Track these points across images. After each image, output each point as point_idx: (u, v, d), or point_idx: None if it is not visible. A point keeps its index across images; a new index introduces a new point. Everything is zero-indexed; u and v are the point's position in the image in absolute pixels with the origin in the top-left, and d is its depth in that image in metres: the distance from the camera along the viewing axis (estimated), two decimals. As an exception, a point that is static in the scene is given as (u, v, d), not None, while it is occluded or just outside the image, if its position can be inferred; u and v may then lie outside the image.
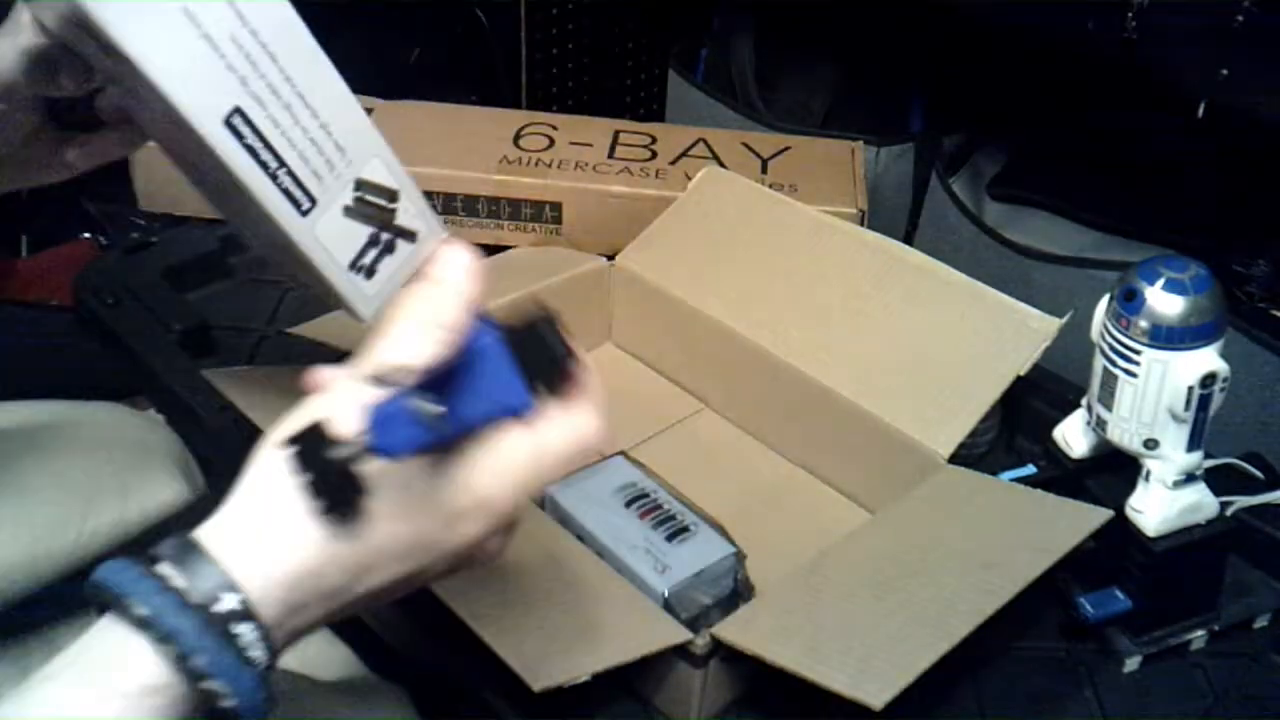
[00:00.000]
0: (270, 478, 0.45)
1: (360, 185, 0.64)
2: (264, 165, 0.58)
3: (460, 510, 0.47)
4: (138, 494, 0.76)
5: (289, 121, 0.59)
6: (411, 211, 0.66)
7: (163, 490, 0.78)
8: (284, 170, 0.59)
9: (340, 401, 0.46)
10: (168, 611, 0.41)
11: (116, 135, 0.64)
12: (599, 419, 0.51)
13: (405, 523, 0.46)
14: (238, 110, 0.57)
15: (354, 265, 0.64)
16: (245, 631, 0.42)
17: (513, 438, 0.49)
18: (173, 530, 0.44)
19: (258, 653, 0.42)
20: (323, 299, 0.66)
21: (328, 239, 0.62)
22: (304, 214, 0.60)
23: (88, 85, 0.61)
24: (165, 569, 0.42)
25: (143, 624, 0.41)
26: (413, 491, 0.46)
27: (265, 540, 0.44)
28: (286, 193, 0.60)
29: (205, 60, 0.55)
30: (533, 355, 0.51)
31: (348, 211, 0.63)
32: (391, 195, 0.65)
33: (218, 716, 0.42)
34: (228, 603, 0.42)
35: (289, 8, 0.58)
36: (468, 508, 0.47)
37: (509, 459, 0.48)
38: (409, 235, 0.65)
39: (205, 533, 0.44)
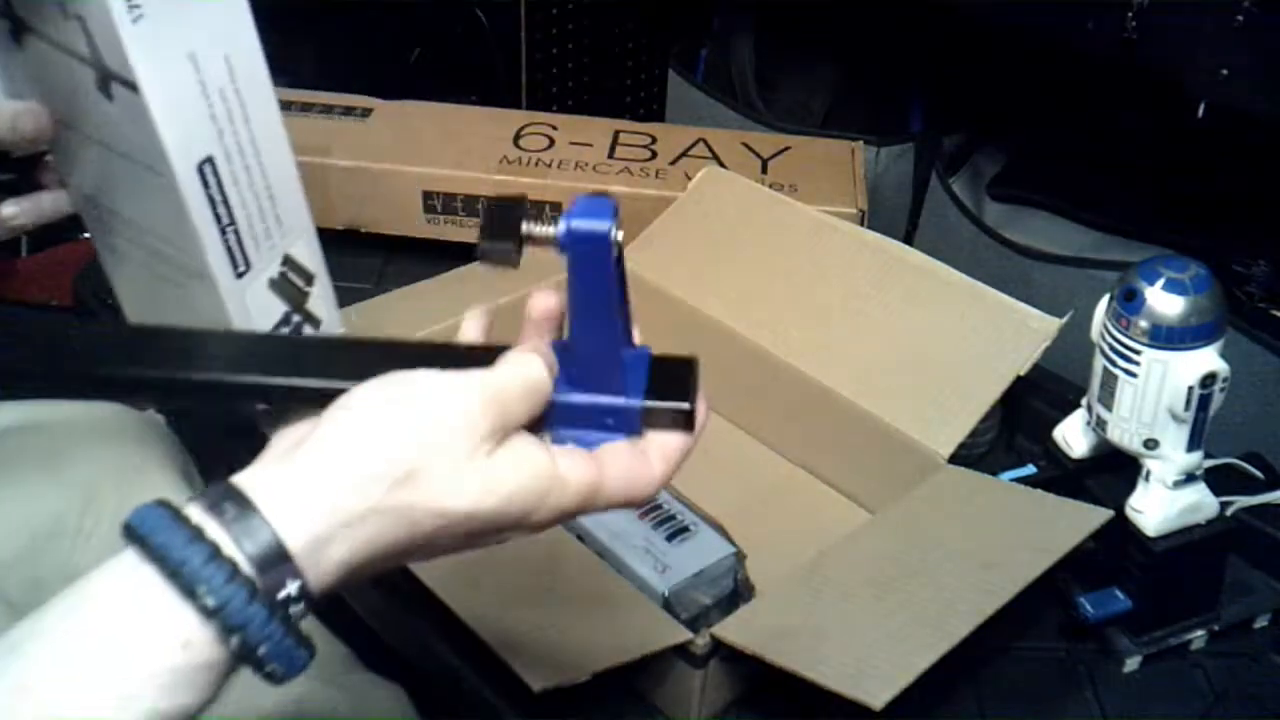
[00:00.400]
0: (324, 443, 0.44)
1: (287, 261, 0.66)
2: (218, 219, 0.61)
3: (502, 497, 0.46)
4: (137, 494, 0.76)
5: (245, 182, 0.62)
6: (322, 299, 0.67)
7: (161, 490, 0.77)
8: (232, 229, 0.62)
9: None
10: (237, 602, 0.40)
11: (50, 199, 0.65)
12: (659, 481, 0.50)
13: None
14: (210, 159, 0.60)
15: None
16: (299, 610, 0.42)
17: (579, 463, 0.48)
18: None
19: (301, 615, 0.43)
20: None
21: (253, 307, 0.64)
22: (239, 277, 0.62)
23: (38, 146, 0.63)
24: (231, 550, 0.41)
25: (209, 612, 0.40)
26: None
27: (323, 510, 0.43)
28: (230, 251, 0.62)
29: (196, 105, 0.58)
30: (661, 387, 0.50)
31: (271, 284, 0.65)
32: (309, 278, 0.67)
33: (257, 671, 0.42)
34: (290, 589, 0.42)
35: (268, 76, 0.61)
36: (503, 502, 0.46)
37: (566, 484, 0.47)
38: (315, 322, 0.67)
39: (262, 498, 0.42)
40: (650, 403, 0.50)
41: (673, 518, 0.77)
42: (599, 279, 0.49)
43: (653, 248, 1.02)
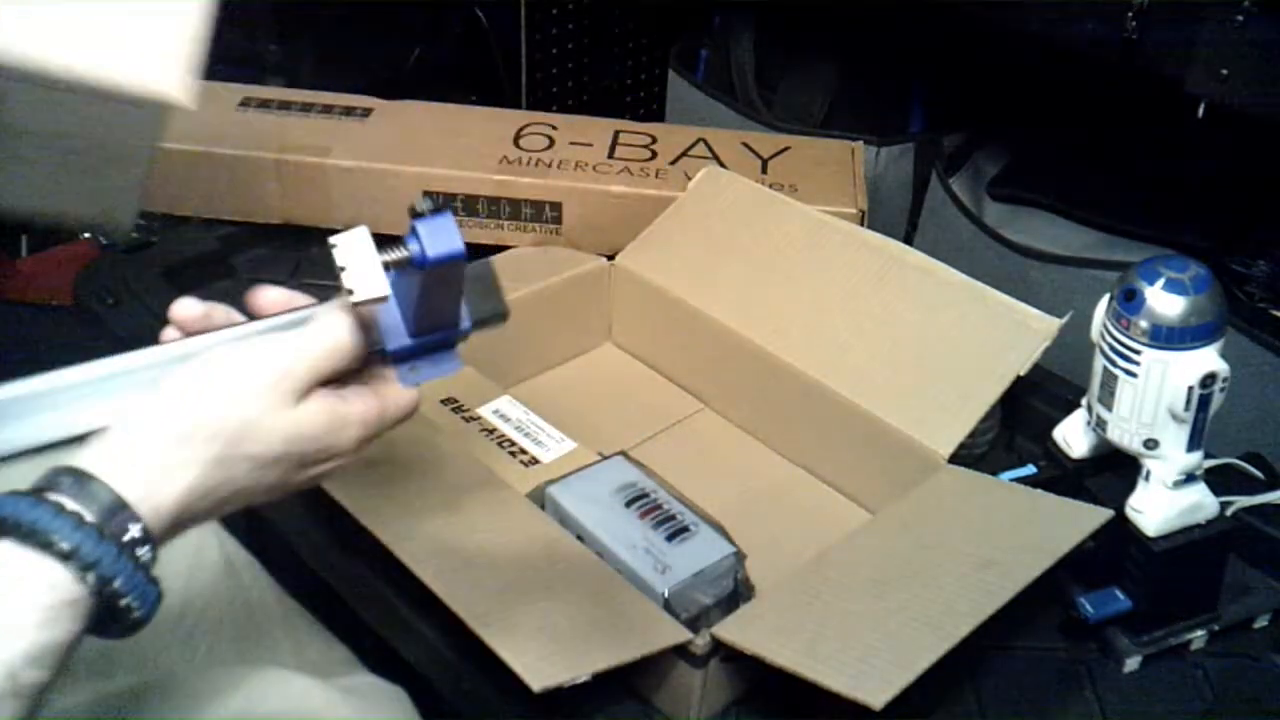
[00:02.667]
0: (145, 410, 0.52)
1: None
2: None
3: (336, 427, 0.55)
4: None
5: None
6: None
7: None
8: None
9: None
10: (88, 544, 0.47)
11: None
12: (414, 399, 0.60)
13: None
14: None
15: None
16: (145, 553, 0.49)
17: (365, 399, 0.56)
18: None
19: (149, 561, 0.50)
20: None
21: None
22: None
23: None
24: (74, 506, 0.48)
25: (65, 555, 0.47)
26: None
27: (150, 464, 0.50)
28: None
29: None
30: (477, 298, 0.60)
31: None
32: None
33: (118, 617, 0.49)
34: (133, 531, 0.49)
35: None
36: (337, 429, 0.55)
37: (358, 422, 0.56)
38: None
39: (95, 464, 0.50)
40: (477, 321, 0.60)
41: (673, 518, 0.77)
42: (453, 284, 0.57)
43: (653, 248, 1.02)
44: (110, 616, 0.49)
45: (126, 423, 0.51)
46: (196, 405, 0.52)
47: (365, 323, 0.56)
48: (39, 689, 0.46)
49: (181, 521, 0.51)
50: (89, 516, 0.48)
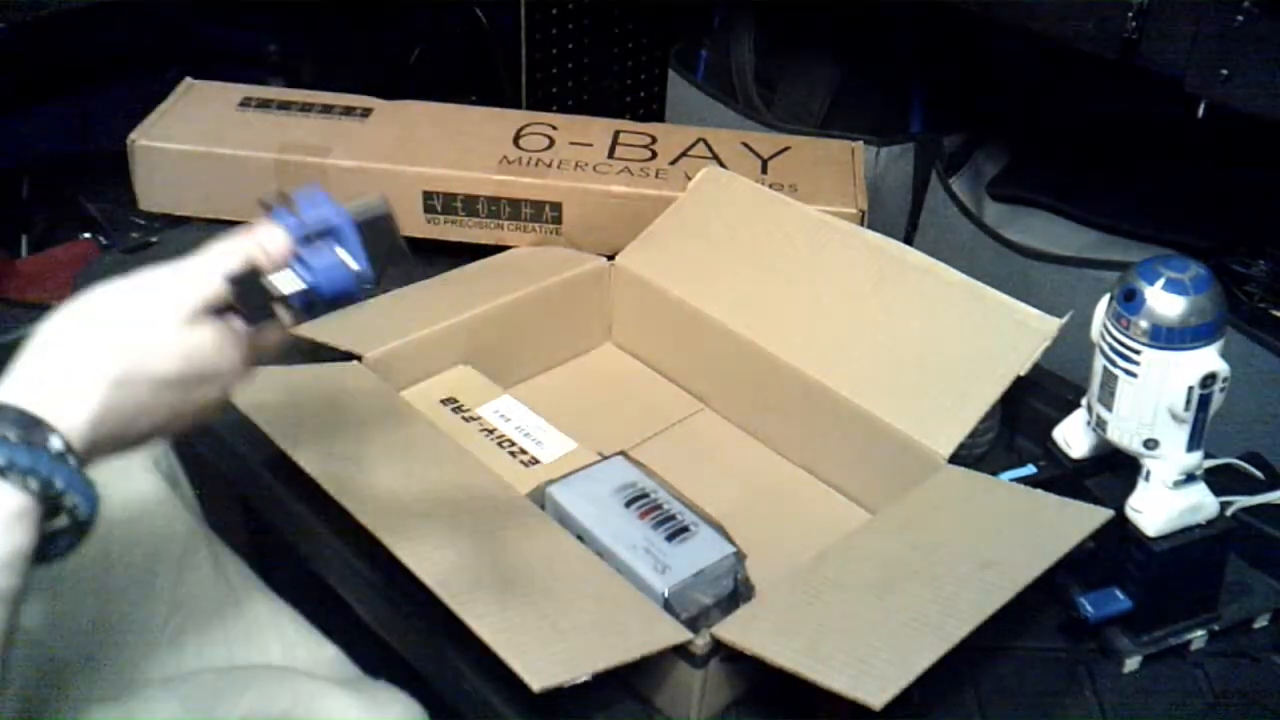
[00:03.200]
0: (61, 338, 0.55)
1: None
2: None
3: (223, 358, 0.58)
4: (108, 487, 0.76)
5: None
6: None
7: (135, 481, 0.77)
8: None
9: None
10: (20, 456, 0.50)
11: None
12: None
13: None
14: None
15: None
16: (73, 461, 0.52)
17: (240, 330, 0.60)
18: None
19: (79, 468, 0.53)
20: None
21: None
22: None
23: None
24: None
25: (1, 471, 0.49)
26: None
27: (56, 384, 0.53)
28: None
29: None
30: (375, 242, 0.61)
31: None
32: None
33: (67, 517, 0.52)
34: (55, 444, 0.51)
35: None
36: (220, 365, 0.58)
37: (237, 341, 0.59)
38: None
39: (13, 396, 0.52)
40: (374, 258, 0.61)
41: (673, 518, 0.77)
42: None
43: (653, 248, 1.02)
44: (56, 526, 0.52)
45: (28, 352, 0.54)
46: (98, 327, 0.55)
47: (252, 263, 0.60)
48: (15, 594, 0.50)
49: (98, 444, 0.54)
50: (11, 436, 0.50)
